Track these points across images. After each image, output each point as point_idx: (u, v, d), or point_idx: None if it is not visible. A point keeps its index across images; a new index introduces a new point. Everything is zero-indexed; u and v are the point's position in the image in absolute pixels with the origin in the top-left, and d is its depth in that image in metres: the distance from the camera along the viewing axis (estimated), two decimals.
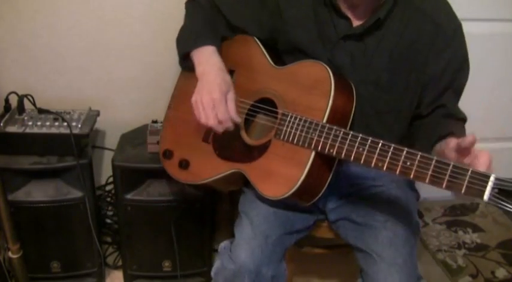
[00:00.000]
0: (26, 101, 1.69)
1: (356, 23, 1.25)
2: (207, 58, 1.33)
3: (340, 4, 1.25)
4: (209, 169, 1.36)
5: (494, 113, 2.26)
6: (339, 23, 1.26)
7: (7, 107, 1.73)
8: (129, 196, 1.69)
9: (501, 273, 1.98)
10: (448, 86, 1.26)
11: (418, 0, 1.22)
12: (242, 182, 1.41)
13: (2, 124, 1.63)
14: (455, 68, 1.25)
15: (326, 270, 1.94)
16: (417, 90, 1.26)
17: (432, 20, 1.21)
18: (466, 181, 0.96)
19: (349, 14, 1.25)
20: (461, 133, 1.18)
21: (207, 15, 1.40)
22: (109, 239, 2.02)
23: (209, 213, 1.76)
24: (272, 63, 1.33)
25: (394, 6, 1.20)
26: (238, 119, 1.29)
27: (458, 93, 1.29)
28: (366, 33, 1.23)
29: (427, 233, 2.20)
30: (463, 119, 1.29)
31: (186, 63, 1.38)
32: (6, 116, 1.68)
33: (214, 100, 1.25)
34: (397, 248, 1.27)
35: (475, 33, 1.99)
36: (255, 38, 1.38)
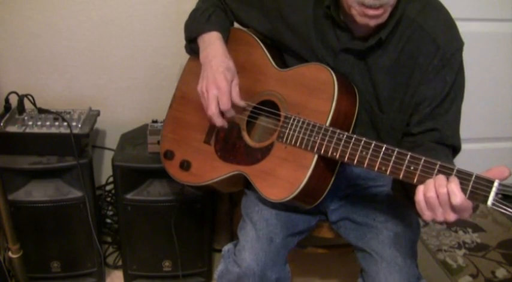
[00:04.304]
0: (26, 100, 1.69)
1: (358, 34, 1.22)
2: (211, 43, 1.33)
3: (343, 18, 1.22)
4: (210, 171, 1.35)
5: (494, 113, 2.26)
6: (341, 34, 1.24)
7: (7, 106, 1.73)
8: (129, 196, 1.68)
9: (501, 273, 1.98)
10: (442, 109, 1.20)
11: (422, 19, 1.18)
12: (243, 184, 1.41)
13: (2, 124, 1.63)
14: (449, 91, 1.19)
15: (326, 270, 1.94)
16: (410, 108, 1.22)
17: (433, 40, 1.17)
18: (470, 186, 0.95)
19: (351, 27, 1.22)
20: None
21: (219, 5, 1.42)
22: (109, 239, 2.02)
23: (209, 213, 1.76)
24: (275, 65, 1.33)
25: (396, 25, 1.17)
26: (243, 104, 1.29)
27: (454, 118, 1.23)
28: (367, 51, 1.21)
29: (427, 232, 2.20)
30: (454, 148, 1.23)
31: (192, 47, 1.40)
32: (6, 116, 1.68)
33: (220, 89, 1.26)
34: (397, 248, 1.27)
35: (475, 33, 2.00)
36: (257, 39, 1.38)
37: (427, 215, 0.99)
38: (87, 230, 1.71)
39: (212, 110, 1.27)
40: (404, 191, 1.14)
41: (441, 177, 0.97)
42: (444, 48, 1.16)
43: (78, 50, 1.84)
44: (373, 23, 1.13)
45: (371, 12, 1.10)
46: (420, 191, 0.99)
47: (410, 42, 1.19)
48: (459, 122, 1.24)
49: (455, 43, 1.19)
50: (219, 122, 1.28)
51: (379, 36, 1.17)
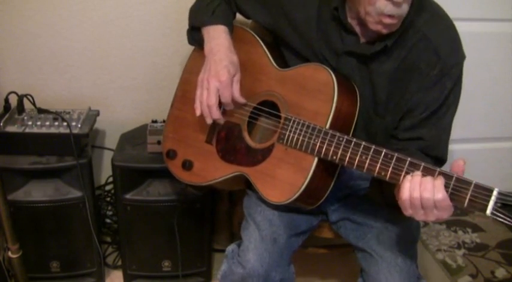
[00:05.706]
0: (25, 100, 1.69)
1: (363, 40, 1.23)
2: (216, 36, 1.33)
3: (350, 21, 1.22)
4: (212, 171, 1.35)
5: (494, 113, 2.26)
6: (346, 37, 1.24)
7: (7, 106, 1.72)
8: (128, 196, 1.68)
9: (501, 273, 1.98)
10: (437, 115, 1.20)
11: (427, 28, 1.18)
12: (245, 184, 1.40)
13: (1, 124, 1.63)
14: (448, 95, 1.19)
15: (326, 270, 1.94)
16: (402, 112, 1.23)
17: (435, 50, 1.17)
18: (468, 194, 0.96)
19: (358, 31, 1.22)
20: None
21: None
22: (108, 239, 2.01)
23: (209, 213, 1.76)
24: (275, 64, 1.32)
25: (403, 33, 1.17)
26: (243, 100, 1.30)
27: (445, 128, 1.23)
28: (371, 56, 1.21)
29: (427, 232, 2.20)
30: (437, 159, 1.23)
31: (194, 36, 1.40)
32: (6, 116, 1.67)
33: (222, 83, 1.26)
34: (397, 248, 1.27)
35: (475, 33, 2.00)
36: (258, 38, 1.38)
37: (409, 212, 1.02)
38: (86, 230, 1.70)
39: (212, 101, 1.27)
40: (381, 193, 1.15)
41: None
42: (445, 59, 1.17)
43: (78, 50, 1.84)
44: (385, 30, 1.14)
45: (388, 20, 1.10)
46: (407, 189, 1.01)
47: (413, 50, 1.19)
48: (449, 134, 1.25)
49: (457, 56, 1.20)
50: (216, 114, 1.28)
51: (385, 43, 1.17)
